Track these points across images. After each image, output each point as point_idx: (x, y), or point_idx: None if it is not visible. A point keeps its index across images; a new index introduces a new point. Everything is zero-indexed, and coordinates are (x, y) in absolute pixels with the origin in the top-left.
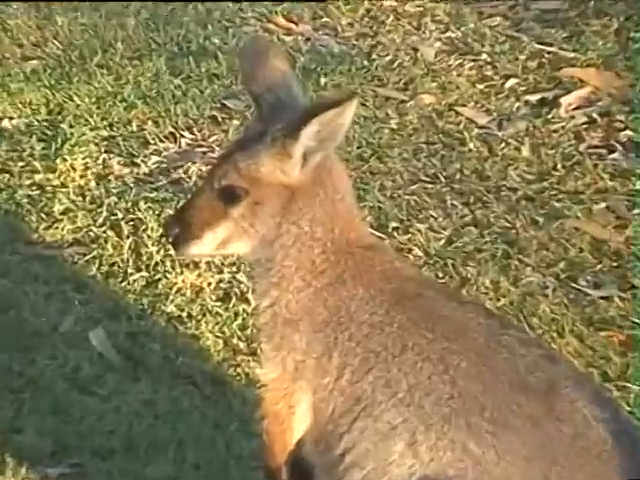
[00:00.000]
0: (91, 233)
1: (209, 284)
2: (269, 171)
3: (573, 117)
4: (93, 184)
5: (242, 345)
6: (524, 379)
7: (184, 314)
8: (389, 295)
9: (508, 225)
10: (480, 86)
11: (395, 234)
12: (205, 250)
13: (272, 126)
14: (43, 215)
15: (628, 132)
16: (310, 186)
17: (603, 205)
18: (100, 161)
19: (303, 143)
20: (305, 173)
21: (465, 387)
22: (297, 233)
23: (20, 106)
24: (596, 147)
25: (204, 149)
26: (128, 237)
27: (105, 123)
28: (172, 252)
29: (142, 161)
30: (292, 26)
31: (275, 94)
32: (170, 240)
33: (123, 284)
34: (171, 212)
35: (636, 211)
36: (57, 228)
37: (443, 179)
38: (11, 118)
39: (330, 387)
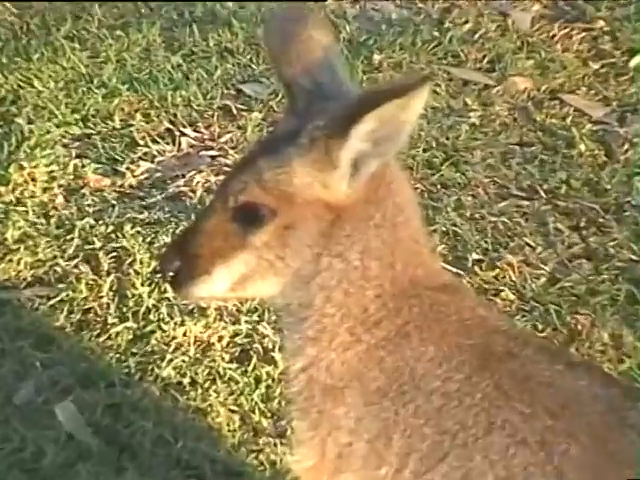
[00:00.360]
0: (58, 268)
1: (220, 338)
2: (305, 184)
3: None
4: (60, 200)
5: (266, 423)
6: None
7: (186, 380)
8: (470, 354)
9: (634, 257)
10: (594, 65)
11: (477, 270)
12: (216, 291)
13: (310, 122)
14: None
15: None
16: (362, 206)
17: None
18: (70, 169)
19: (353, 146)
20: (355, 187)
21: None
22: (343, 269)
23: None
24: None
25: (213, 152)
26: (109, 274)
27: (77, 117)
28: (171, 293)
29: (128, 169)
30: None
31: (313, 78)
32: (168, 278)
33: (101, 338)
34: (169, 240)
35: None
36: (11, 261)
37: (543, 194)
38: None
39: None
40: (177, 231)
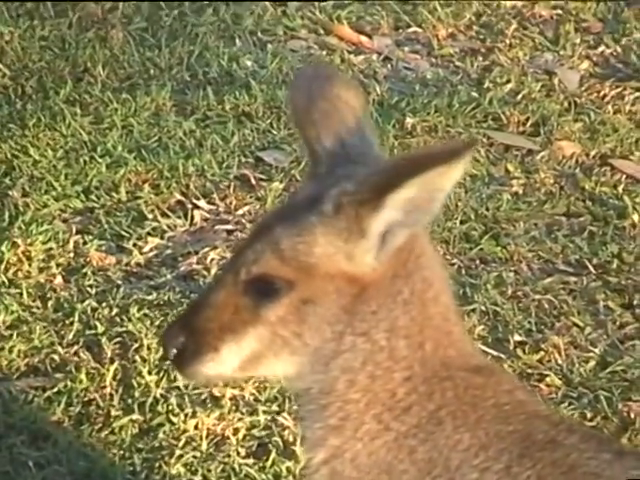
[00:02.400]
0: (55, 356)
1: (236, 431)
2: (328, 255)
3: None
4: (59, 281)
5: None
6: None
7: (197, 478)
8: (509, 442)
9: None
10: None
11: (520, 352)
12: (225, 370)
13: (334, 187)
14: None
15: None
16: (389, 280)
17: None
18: (70, 246)
19: (387, 215)
20: (382, 260)
21: None
22: (368, 350)
23: None
24: None
25: (229, 226)
26: (112, 361)
27: (78, 189)
28: (181, 381)
29: (135, 246)
30: (363, 39)
31: (340, 140)
32: (171, 355)
33: (103, 433)
34: (174, 317)
35: None
36: (3, 349)
37: (593, 269)
38: None
39: None
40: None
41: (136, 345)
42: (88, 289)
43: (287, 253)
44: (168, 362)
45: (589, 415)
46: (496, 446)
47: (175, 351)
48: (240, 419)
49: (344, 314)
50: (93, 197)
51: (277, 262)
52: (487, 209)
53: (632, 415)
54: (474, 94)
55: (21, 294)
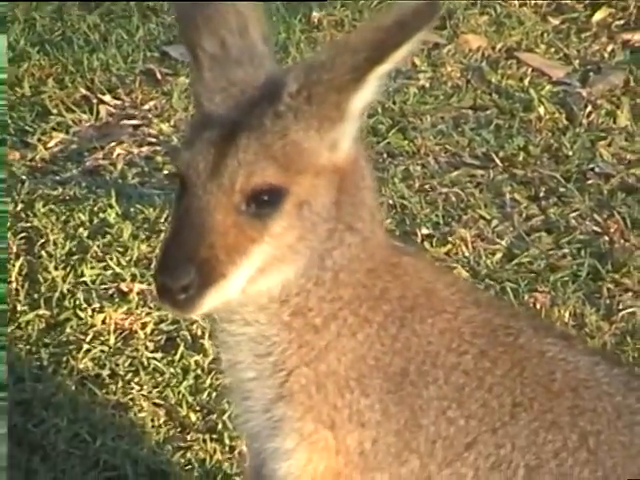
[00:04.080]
0: None
1: (144, 325)
2: (314, 148)
3: None
4: None
5: (194, 417)
6: None
7: (105, 372)
8: (477, 326)
9: (597, 229)
10: (554, 21)
11: (427, 245)
12: (233, 293)
13: (288, 82)
14: None
15: None
16: (353, 166)
17: None
18: None
19: (365, 94)
20: (353, 146)
21: (611, 466)
22: (353, 244)
23: None
24: None
25: (135, 121)
26: (18, 256)
27: None
28: (179, 314)
29: (39, 141)
30: None
31: (219, 42)
32: (181, 296)
33: (10, 328)
34: (161, 249)
35: None
36: None
37: (499, 162)
38: None
39: (417, 476)
40: (95, 209)
41: (42, 240)
42: None
43: (279, 157)
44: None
45: None
46: (467, 329)
47: (188, 291)
48: (148, 313)
49: (333, 209)
50: None
51: (272, 168)
52: (394, 103)
53: (538, 306)
54: None
55: None
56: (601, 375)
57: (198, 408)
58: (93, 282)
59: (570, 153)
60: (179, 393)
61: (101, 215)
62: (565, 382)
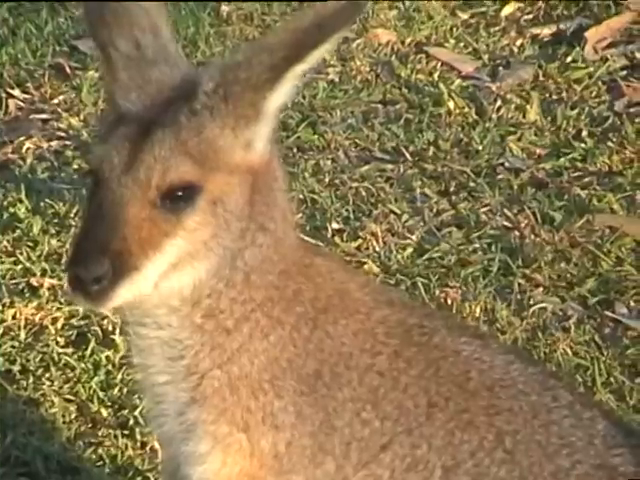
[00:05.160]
0: None
1: (54, 321)
2: (229, 146)
3: (605, 60)
4: None
5: (105, 413)
6: (606, 459)
7: (16, 367)
8: (390, 327)
9: (508, 224)
10: (463, 15)
11: (338, 240)
12: (145, 288)
13: (203, 81)
14: None
15: None
16: (267, 165)
17: None
18: None
19: (282, 93)
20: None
21: (528, 466)
22: (265, 245)
23: None
24: None
25: (45, 115)
26: None
27: None
28: (91, 306)
29: None
30: None
31: (133, 42)
32: (94, 288)
33: None
34: (73, 241)
35: None
36: None
37: (409, 156)
38: None
39: (333, 478)
40: (5, 203)
41: None
42: None
43: (195, 153)
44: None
45: None
46: (381, 330)
47: (101, 283)
48: (59, 309)
49: (247, 207)
50: None
51: (187, 165)
52: (303, 97)
53: (449, 301)
54: None
55: None
56: (516, 374)
57: (109, 404)
58: (3, 277)
59: (480, 148)
60: (90, 389)
61: (11, 210)
62: (481, 381)
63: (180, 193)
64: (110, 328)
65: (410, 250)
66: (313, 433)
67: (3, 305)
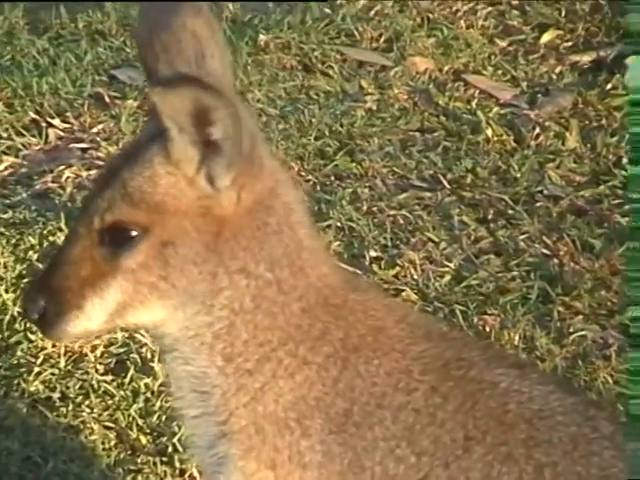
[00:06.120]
0: None
1: (94, 348)
2: (172, 187)
3: None
4: None
5: (144, 440)
6: None
7: (56, 395)
8: (425, 362)
9: (547, 252)
10: (502, 43)
11: (376, 268)
12: (92, 325)
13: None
14: None
15: None
16: (248, 215)
17: None
18: None
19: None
20: (227, 191)
21: None
22: (254, 287)
23: None
24: None
25: (84, 145)
26: None
27: None
28: (45, 337)
29: None
30: None
31: (179, 67)
32: (34, 319)
33: None
34: (32, 275)
35: None
36: None
37: (447, 184)
38: None
39: None
40: (45, 232)
41: None
42: None
43: (135, 195)
44: (27, 319)
45: None
46: (417, 367)
47: (36, 314)
48: (98, 336)
49: (210, 253)
50: None
51: (128, 207)
52: (341, 125)
53: (487, 328)
54: (327, 10)
55: None
56: (556, 405)
57: (148, 431)
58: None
59: (518, 175)
60: (129, 416)
61: (51, 238)
62: (519, 413)
63: (119, 234)
64: (149, 356)
65: (448, 278)
66: (342, 472)
67: None
